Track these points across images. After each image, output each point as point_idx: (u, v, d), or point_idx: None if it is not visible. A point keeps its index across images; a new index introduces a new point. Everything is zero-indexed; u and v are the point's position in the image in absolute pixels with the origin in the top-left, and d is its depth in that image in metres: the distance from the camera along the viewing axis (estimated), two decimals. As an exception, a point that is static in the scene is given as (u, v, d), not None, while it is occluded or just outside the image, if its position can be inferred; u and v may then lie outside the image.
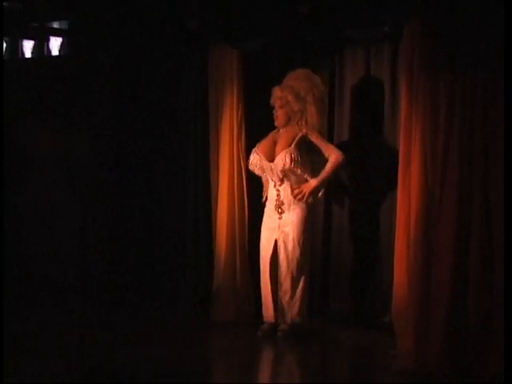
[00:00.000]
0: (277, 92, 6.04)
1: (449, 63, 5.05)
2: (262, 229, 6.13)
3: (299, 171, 5.95)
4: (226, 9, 6.30)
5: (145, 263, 7.39)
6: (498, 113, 4.83)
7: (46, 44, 7.76)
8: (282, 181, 6.01)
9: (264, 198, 6.18)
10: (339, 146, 6.04)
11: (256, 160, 6.09)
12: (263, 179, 6.21)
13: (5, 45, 7.86)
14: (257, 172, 6.15)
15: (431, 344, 5.01)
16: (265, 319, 6.12)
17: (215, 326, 6.43)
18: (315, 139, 5.96)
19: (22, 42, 7.85)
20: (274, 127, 6.15)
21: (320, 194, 6.07)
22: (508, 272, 4.69)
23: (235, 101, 6.50)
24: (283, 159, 5.92)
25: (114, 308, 6.96)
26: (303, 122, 6.00)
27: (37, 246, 7.80)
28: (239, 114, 6.51)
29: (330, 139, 6.18)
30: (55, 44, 7.74)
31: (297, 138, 5.97)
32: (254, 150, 6.15)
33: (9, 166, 7.65)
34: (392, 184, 5.68)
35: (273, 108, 6.10)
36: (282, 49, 6.53)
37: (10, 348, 5.53)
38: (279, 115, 6.05)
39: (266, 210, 6.13)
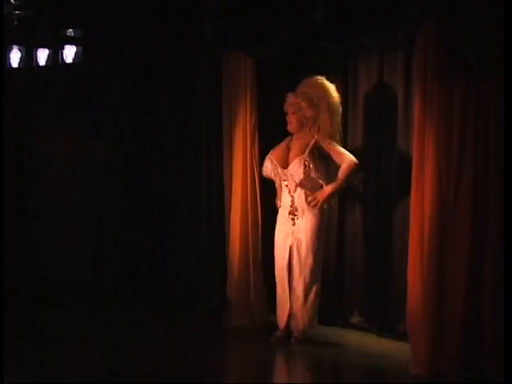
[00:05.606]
0: (291, 98, 6.05)
1: (462, 70, 5.04)
2: (276, 236, 6.12)
3: (313, 178, 5.95)
4: (239, 17, 6.31)
5: (158, 269, 7.43)
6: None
7: (60, 52, 7.80)
8: (296, 187, 6.01)
9: (278, 205, 6.19)
10: (353, 153, 6.01)
11: (270, 167, 6.10)
12: (277, 185, 6.22)
13: (19, 53, 7.91)
14: (271, 177, 6.15)
15: (445, 352, 5.00)
16: (279, 326, 6.11)
17: (228, 332, 6.42)
18: (326, 146, 5.95)
19: (36, 50, 7.89)
20: (288, 134, 6.16)
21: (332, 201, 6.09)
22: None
23: (249, 108, 6.50)
24: (297, 166, 5.93)
25: (127, 312, 7.00)
26: (316, 129, 6.00)
27: (51, 248, 7.87)
28: (253, 121, 6.51)
29: (343, 146, 6.16)
30: (69, 52, 7.75)
31: (310, 145, 5.97)
32: (267, 156, 6.16)
33: (24, 170, 7.75)
34: (405, 191, 5.65)
35: (286, 114, 6.10)
36: (296, 56, 6.52)
37: (19, 348, 5.66)
38: (292, 121, 6.07)
39: (279, 216, 6.13)
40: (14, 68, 7.90)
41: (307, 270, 5.93)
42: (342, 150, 6.00)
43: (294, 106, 6.04)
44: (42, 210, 7.89)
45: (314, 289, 5.95)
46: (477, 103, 4.99)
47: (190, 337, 6.32)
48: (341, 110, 6.11)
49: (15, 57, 7.91)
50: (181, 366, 5.43)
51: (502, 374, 4.69)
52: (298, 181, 5.95)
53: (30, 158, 7.90)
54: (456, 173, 5.04)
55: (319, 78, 6.09)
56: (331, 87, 6.04)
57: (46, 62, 7.86)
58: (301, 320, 5.96)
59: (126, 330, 6.47)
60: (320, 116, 5.97)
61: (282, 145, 6.15)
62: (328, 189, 5.95)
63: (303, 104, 5.99)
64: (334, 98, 6.01)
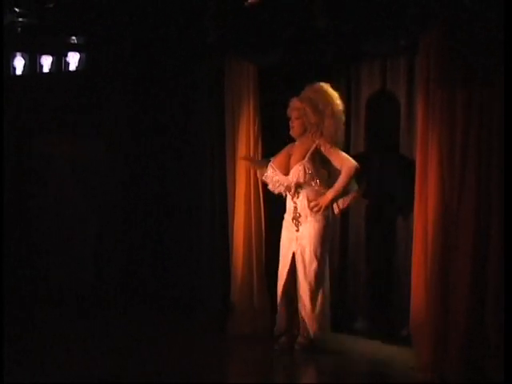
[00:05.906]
0: (295, 103, 6.02)
1: (465, 76, 5.06)
2: (281, 241, 6.09)
3: (314, 184, 5.94)
4: (242, 23, 6.34)
5: (159, 270, 7.42)
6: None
7: (63, 59, 7.85)
8: (298, 194, 6.00)
9: None
10: (356, 159, 5.97)
11: (272, 174, 6.09)
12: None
13: (23, 60, 7.96)
14: (271, 187, 6.14)
15: (449, 356, 5.00)
16: (276, 333, 6.07)
17: (232, 339, 6.38)
18: (327, 151, 5.91)
19: (39, 57, 7.94)
20: (291, 140, 6.15)
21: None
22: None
23: (251, 114, 6.52)
24: (297, 172, 5.92)
25: (128, 313, 7.03)
26: (318, 135, 5.97)
27: (51, 248, 7.88)
28: (256, 126, 6.53)
29: (346, 152, 6.16)
30: (72, 59, 7.80)
31: (310, 151, 5.94)
32: (269, 164, 6.15)
33: (28, 175, 7.77)
34: (409, 197, 5.64)
35: (289, 119, 6.09)
36: (299, 62, 6.53)
37: (19, 348, 5.71)
38: (295, 126, 6.04)
39: (284, 222, 6.10)
40: (17, 75, 7.94)
41: (312, 276, 5.87)
42: (343, 154, 5.96)
43: (298, 110, 6.00)
44: (42, 211, 7.90)
45: (320, 295, 5.89)
46: (480, 108, 5.01)
47: (190, 339, 6.31)
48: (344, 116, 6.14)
49: (19, 64, 7.96)
50: (181, 367, 5.42)
51: (502, 374, 4.69)
52: (298, 186, 5.93)
53: (31, 159, 7.93)
54: (459, 175, 5.06)
55: (325, 84, 6.08)
56: (335, 94, 6.04)
57: (50, 69, 7.90)
58: (308, 327, 5.91)
59: (126, 330, 6.48)
60: (324, 122, 5.94)
61: (284, 151, 6.13)
62: (330, 193, 5.91)
63: (308, 109, 5.95)
64: (338, 104, 6.00)
